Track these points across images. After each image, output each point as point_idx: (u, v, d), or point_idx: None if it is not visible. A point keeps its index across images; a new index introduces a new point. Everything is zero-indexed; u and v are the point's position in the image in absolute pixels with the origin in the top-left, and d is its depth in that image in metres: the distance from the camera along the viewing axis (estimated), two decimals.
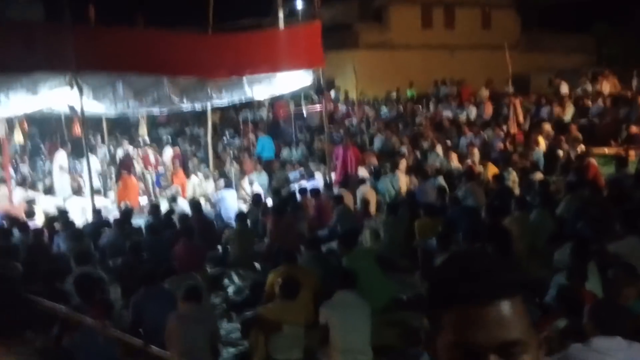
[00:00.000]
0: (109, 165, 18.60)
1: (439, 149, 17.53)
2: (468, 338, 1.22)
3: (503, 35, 26.32)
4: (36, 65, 11.08)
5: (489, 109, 22.50)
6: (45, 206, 14.51)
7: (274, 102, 24.16)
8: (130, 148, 19.49)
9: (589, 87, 22.90)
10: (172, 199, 14.20)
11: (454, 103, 24.50)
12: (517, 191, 12.89)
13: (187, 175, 17.77)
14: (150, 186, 17.72)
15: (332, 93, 29.40)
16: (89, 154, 14.66)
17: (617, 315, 4.53)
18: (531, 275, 7.52)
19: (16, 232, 11.16)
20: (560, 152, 15.66)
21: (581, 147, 15.55)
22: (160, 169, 18.68)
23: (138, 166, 18.08)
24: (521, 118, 19.19)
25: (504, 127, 18.94)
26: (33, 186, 16.52)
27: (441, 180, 13.65)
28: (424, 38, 33.07)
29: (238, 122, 24.47)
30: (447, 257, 1.35)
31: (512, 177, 13.75)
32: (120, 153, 19.64)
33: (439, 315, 1.27)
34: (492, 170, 14.26)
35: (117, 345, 6.49)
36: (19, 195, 15.90)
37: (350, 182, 14.40)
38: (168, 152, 20.31)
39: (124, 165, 17.49)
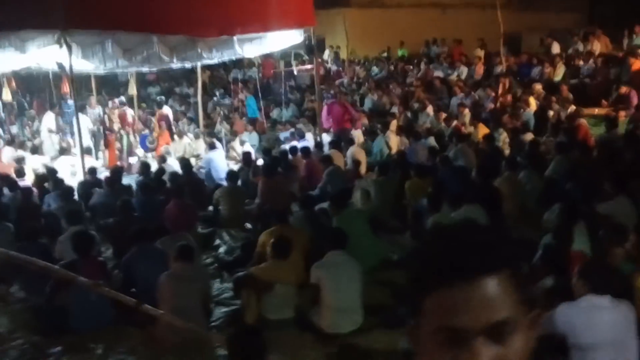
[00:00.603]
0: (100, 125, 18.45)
1: (430, 109, 17.52)
2: (452, 321, 1.12)
3: None
4: (24, 23, 10.92)
5: (480, 69, 22.44)
6: (34, 165, 14.46)
7: (262, 61, 23.98)
8: (107, 108, 19.10)
9: (581, 47, 22.79)
10: (162, 159, 14.15)
11: (445, 63, 24.40)
12: (507, 152, 12.95)
13: (178, 135, 17.70)
14: (125, 147, 17.48)
15: (326, 53, 29.24)
16: (80, 113, 14.57)
17: (606, 274, 4.60)
18: (519, 238, 7.58)
19: (6, 191, 11.14)
20: (551, 113, 15.67)
21: (572, 108, 15.55)
22: (146, 131, 18.48)
23: (116, 125, 17.82)
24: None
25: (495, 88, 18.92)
26: (22, 145, 16.42)
27: (432, 140, 13.66)
28: None
29: (228, 81, 24.35)
30: (427, 237, 1.26)
31: (503, 138, 13.78)
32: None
33: (420, 300, 1.17)
34: (482, 130, 14.27)
35: (110, 303, 6.53)
36: (8, 154, 15.82)
37: (342, 141, 14.40)
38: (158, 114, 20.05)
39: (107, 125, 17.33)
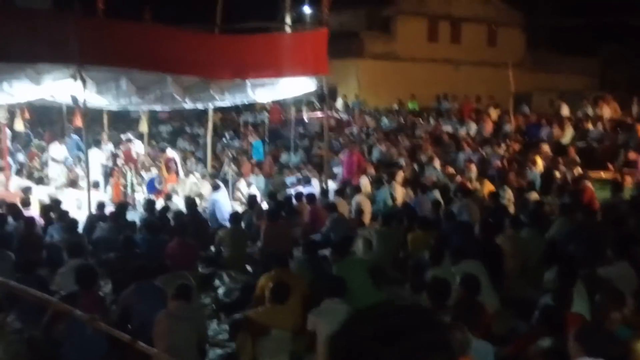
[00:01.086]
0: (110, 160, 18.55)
1: (437, 162, 17.60)
2: None
3: (508, 53, 26.50)
4: (40, 55, 11.11)
5: (489, 127, 22.58)
6: (39, 195, 14.54)
7: (271, 107, 24.22)
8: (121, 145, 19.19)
9: (590, 111, 22.97)
10: (167, 197, 14.22)
11: (455, 118, 24.59)
12: (512, 210, 12.95)
13: (185, 174, 17.78)
14: (129, 183, 17.51)
15: (340, 102, 29.51)
16: (95, 147, 14.73)
17: (602, 339, 4.58)
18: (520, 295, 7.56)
19: (11, 220, 11.19)
20: (557, 174, 15.72)
21: (578, 170, 15.62)
22: (154, 172, 18.51)
23: (119, 161, 17.86)
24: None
25: (503, 145, 19.03)
26: (29, 175, 16.54)
27: (437, 194, 13.70)
28: (429, 51, 33.18)
29: (238, 124, 24.54)
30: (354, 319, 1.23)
31: (508, 196, 13.81)
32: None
33: None
34: (488, 187, 14.32)
35: (105, 338, 6.50)
36: (16, 183, 15.94)
37: (347, 190, 14.46)
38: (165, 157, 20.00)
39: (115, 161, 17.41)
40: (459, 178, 15.60)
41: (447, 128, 23.25)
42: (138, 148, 18.94)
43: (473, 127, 22.87)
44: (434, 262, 8.36)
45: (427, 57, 32.56)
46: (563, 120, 21.39)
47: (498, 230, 9.88)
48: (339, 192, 14.00)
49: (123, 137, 20.11)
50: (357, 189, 14.52)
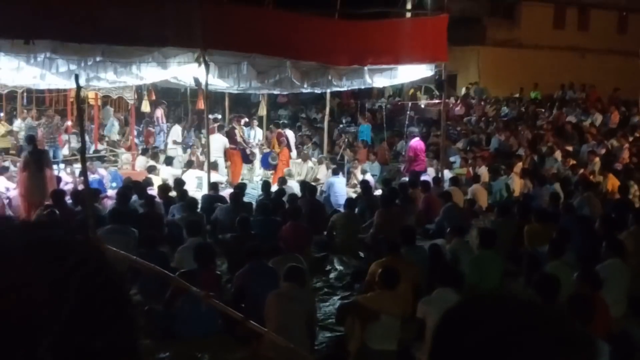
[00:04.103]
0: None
1: (558, 154, 17.04)
2: None
3: (639, 41, 25.24)
4: (167, 40, 11.51)
5: (615, 117, 21.63)
6: (164, 176, 15.11)
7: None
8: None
9: None
10: (283, 181, 14.45)
11: (580, 108, 23.68)
12: (637, 205, 12.39)
13: (303, 158, 18.00)
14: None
15: (463, 90, 29.10)
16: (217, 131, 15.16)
17: None
18: None
19: (135, 197, 11.69)
20: None
21: None
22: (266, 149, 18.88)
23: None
24: None
25: (630, 138, 18.20)
26: (154, 156, 17.21)
27: (557, 186, 13.28)
28: (554, 38, 32.00)
29: (356, 109, 24.62)
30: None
31: (633, 191, 13.21)
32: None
33: None
34: (612, 181, 13.75)
35: (219, 315, 6.72)
36: (141, 163, 16.64)
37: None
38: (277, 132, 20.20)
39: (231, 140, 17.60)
40: (581, 171, 15.05)
41: (571, 118, 22.44)
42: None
43: (599, 118, 21.96)
44: (554, 256, 8.12)
45: (552, 45, 31.41)
46: None
47: (621, 225, 9.48)
48: (454, 181, 13.80)
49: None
50: (476, 179, 14.31)
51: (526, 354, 1.00)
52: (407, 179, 14.87)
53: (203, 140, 17.14)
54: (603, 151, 17.27)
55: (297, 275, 6.80)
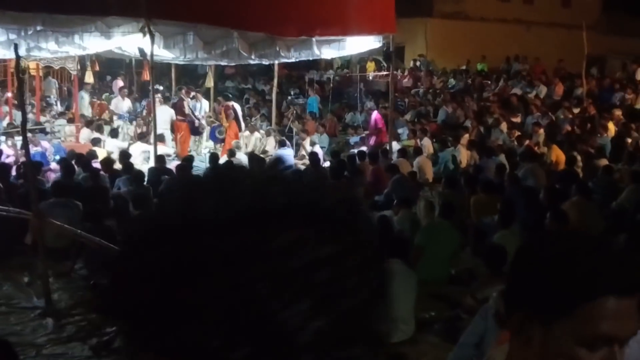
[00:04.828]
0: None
1: (504, 125, 17.26)
2: (608, 328, 1.20)
3: (582, 15, 25.59)
4: (110, 9, 11.23)
5: (559, 89, 21.99)
6: (109, 148, 14.85)
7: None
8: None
9: None
10: (231, 153, 14.35)
11: (524, 80, 23.99)
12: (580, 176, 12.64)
13: (250, 130, 17.87)
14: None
15: (411, 62, 29.18)
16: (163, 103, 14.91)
17: None
18: None
19: (80, 170, 11.47)
20: (629, 140, 15.24)
21: None
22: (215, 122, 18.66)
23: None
24: None
25: (574, 110, 18.52)
26: (99, 128, 16.85)
27: (502, 158, 13.45)
28: (500, 11, 32.19)
29: (304, 81, 24.51)
30: (584, 246, 1.29)
31: (576, 162, 13.47)
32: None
33: (574, 304, 1.22)
34: (556, 152, 13.98)
35: None
36: (85, 135, 16.30)
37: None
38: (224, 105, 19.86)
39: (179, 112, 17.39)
40: (526, 142, 15.27)
41: (516, 90, 22.72)
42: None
43: (543, 90, 22.28)
44: (502, 226, 8.25)
45: (498, 17, 31.62)
46: (637, 85, 20.66)
47: (564, 196, 9.66)
48: (401, 152, 13.88)
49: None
50: (419, 150, 14.40)
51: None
52: (355, 151, 14.90)
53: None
54: (547, 123, 17.55)
55: None
